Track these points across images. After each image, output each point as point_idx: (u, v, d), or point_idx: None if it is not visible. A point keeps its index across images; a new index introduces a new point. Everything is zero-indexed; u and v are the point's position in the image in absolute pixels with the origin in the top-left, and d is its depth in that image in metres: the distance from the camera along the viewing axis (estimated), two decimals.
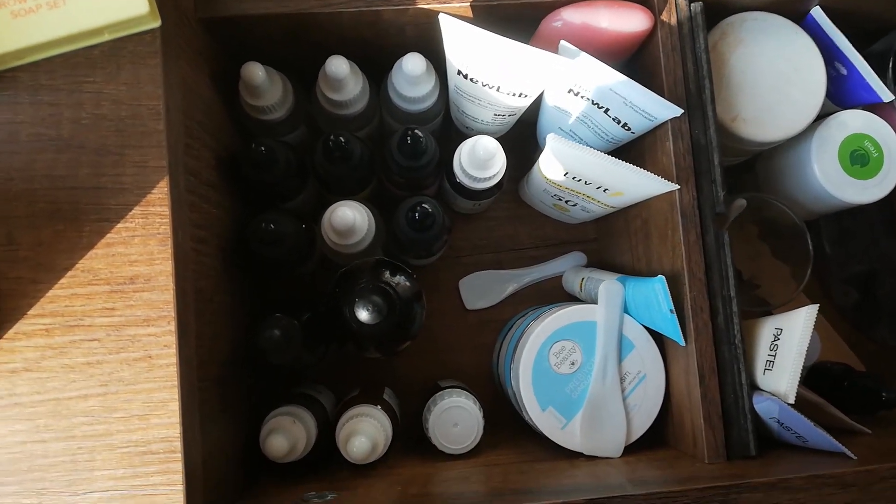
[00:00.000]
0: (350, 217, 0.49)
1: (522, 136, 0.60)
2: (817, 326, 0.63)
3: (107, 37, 0.40)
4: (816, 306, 0.44)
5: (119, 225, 0.39)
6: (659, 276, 0.46)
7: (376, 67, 0.55)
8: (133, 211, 0.39)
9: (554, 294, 0.64)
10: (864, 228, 0.63)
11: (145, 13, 0.39)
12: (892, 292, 0.63)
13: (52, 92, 0.40)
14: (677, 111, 0.46)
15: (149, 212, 0.39)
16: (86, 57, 0.40)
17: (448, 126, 0.61)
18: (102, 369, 0.38)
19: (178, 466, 0.38)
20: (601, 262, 0.65)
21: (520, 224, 0.66)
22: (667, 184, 0.46)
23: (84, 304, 0.39)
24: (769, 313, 0.58)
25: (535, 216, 0.65)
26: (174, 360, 0.38)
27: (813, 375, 0.55)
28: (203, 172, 0.46)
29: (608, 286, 0.50)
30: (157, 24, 0.40)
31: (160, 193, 0.40)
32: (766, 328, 0.46)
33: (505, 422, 0.58)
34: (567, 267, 0.64)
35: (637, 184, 0.47)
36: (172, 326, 0.39)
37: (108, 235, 0.39)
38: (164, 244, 0.39)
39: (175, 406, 0.38)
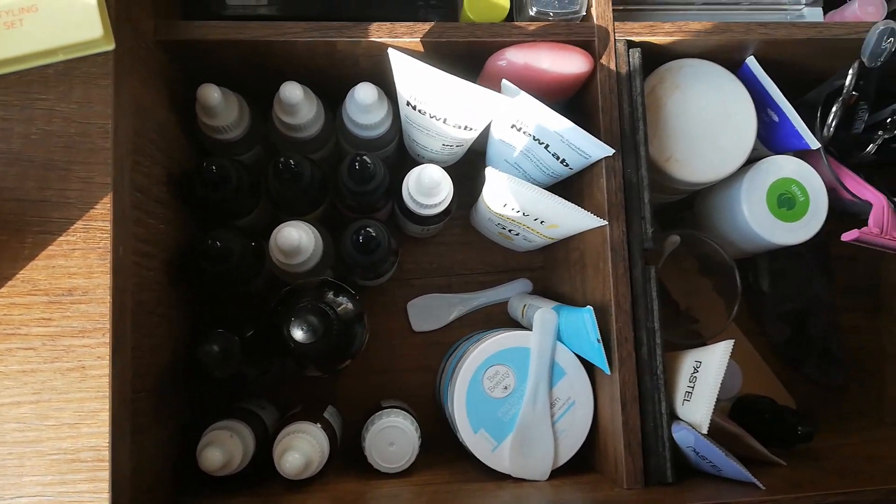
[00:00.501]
0: (295, 237, 0.51)
1: (473, 165, 0.62)
2: (749, 359, 0.66)
3: (61, 57, 0.41)
4: (731, 341, 0.46)
5: (61, 238, 0.40)
6: (587, 306, 0.48)
7: (333, 93, 0.57)
8: (75, 225, 0.41)
9: (500, 319, 0.66)
10: (799, 268, 0.66)
11: (99, 37, 0.41)
12: (822, 331, 0.66)
13: (5, 107, 0.41)
14: (609, 151, 0.48)
15: (90, 226, 0.41)
16: (40, 75, 0.42)
17: (402, 152, 0.63)
18: (36, 378, 0.39)
19: (105, 475, 0.39)
20: (546, 290, 0.67)
21: (470, 250, 0.68)
22: (595, 219, 0.48)
23: (22, 313, 0.40)
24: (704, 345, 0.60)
25: (485, 243, 0.67)
26: (107, 371, 0.40)
27: (738, 407, 0.57)
28: (152, 189, 0.48)
29: (543, 314, 0.52)
30: (110, 47, 0.42)
31: (103, 209, 0.41)
32: (688, 360, 0.48)
33: (446, 443, 0.60)
34: (513, 293, 0.66)
35: (568, 217, 0.49)
36: (107, 338, 0.40)
37: (50, 248, 0.40)
38: (104, 258, 0.40)
39: (105, 416, 0.39)
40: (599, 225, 0.49)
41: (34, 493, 0.39)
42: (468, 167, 0.61)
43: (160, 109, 0.50)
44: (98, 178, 0.41)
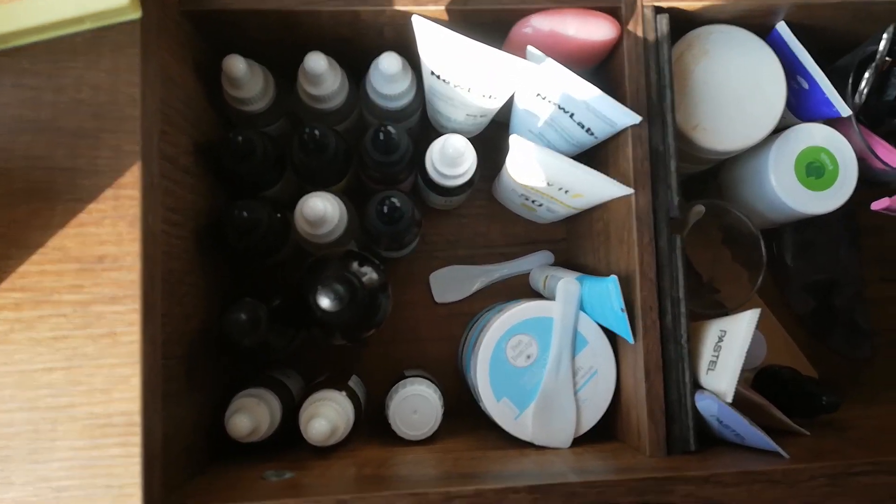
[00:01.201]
0: (321, 208, 0.51)
1: (497, 137, 0.62)
2: (773, 331, 0.65)
3: (88, 25, 0.42)
4: (758, 310, 0.46)
5: (91, 205, 0.41)
6: (612, 275, 0.48)
7: (357, 65, 0.57)
8: (105, 193, 0.41)
9: (521, 290, 0.66)
10: (826, 239, 0.65)
11: (126, 4, 0.41)
12: (848, 302, 0.65)
13: (34, 76, 0.42)
14: (636, 118, 0.48)
15: (120, 194, 0.41)
16: (68, 44, 0.42)
17: (426, 123, 0.63)
18: (68, 344, 0.40)
19: (137, 440, 0.40)
20: (568, 261, 0.66)
21: (492, 222, 0.68)
22: (622, 187, 0.48)
23: (53, 280, 0.40)
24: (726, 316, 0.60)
25: (508, 215, 0.67)
26: (138, 337, 0.40)
27: (761, 378, 0.57)
28: (180, 158, 0.48)
29: (566, 284, 0.52)
30: (137, 15, 0.42)
31: (132, 177, 0.41)
32: (712, 330, 0.48)
33: (468, 411, 0.60)
34: (534, 265, 0.66)
35: (594, 186, 0.49)
36: (138, 305, 0.40)
37: (80, 215, 0.41)
38: (134, 226, 0.41)
39: (137, 381, 0.40)
40: (625, 193, 0.48)
41: (67, 457, 0.40)
42: (491, 139, 0.61)
43: (187, 80, 0.50)
44: (127, 146, 0.42)
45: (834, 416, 0.54)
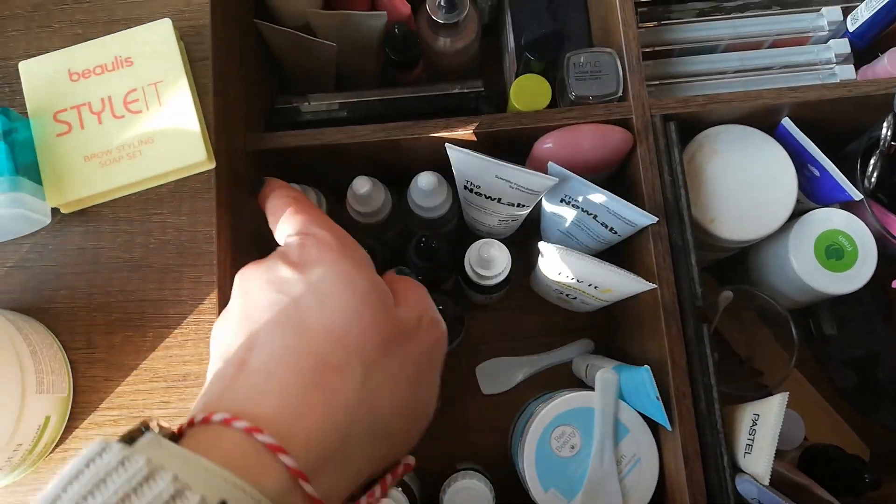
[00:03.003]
0: None
1: (531, 233, 0.67)
2: (818, 408, 0.66)
3: (172, 178, 0.50)
4: (786, 394, 0.48)
5: (176, 330, 0.47)
6: (645, 365, 0.51)
7: (399, 180, 0.63)
8: (188, 319, 0.48)
9: (565, 377, 0.69)
10: (860, 313, 0.67)
11: (203, 159, 0.49)
12: (890, 376, 0.65)
13: (128, 223, 0.49)
14: (653, 219, 0.52)
15: (201, 319, 0.48)
16: (155, 193, 0.50)
17: (464, 226, 0.68)
18: None
19: None
20: (608, 348, 0.69)
21: (532, 313, 0.72)
22: (645, 283, 0.52)
23: (145, 398, 0.46)
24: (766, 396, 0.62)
25: (546, 305, 0.71)
26: None
27: (807, 457, 0.57)
28: None
29: (603, 375, 0.55)
30: (212, 166, 0.50)
31: (210, 303, 0.48)
32: (746, 414, 0.50)
33: (520, 501, 0.62)
34: (575, 354, 0.69)
35: (619, 283, 0.53)
36: None
37: (167, 339, 0.47)
38: None
39: None
40: (650, 288, 0.52)
41: None
42: (526, 236, 0.66)
43: (253, 207, 0.57)
44: (205, 277, 0.48)
45: (883, 493, 0.54)
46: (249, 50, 0.62)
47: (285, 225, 0.38)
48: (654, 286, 0.52)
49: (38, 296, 0.48)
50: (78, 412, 0.47)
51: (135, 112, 0.49)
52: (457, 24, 0.64)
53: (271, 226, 0.39)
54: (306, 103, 0.66)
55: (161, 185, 0.50)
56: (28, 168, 0.47)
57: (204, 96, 0.51)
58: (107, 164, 0.48)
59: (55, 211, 0.49)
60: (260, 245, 0.56)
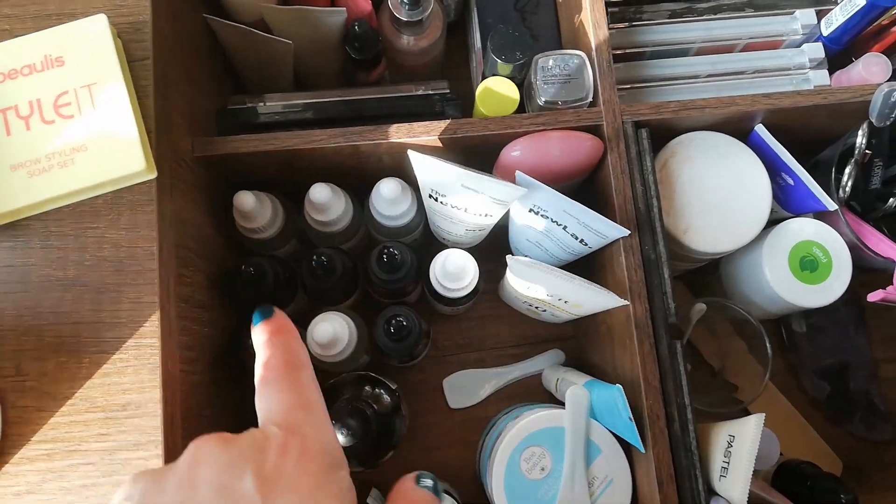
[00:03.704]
0: (330, 331, 0.53)
1: (500, 241, 0.64)
2: (792, 421, 0.65)
3: (109, 189, 0.46)
4: (762, 415, 0.46)
5: (114, 356, 0.44)
6: (617, 384, 0.49)
7: (360, 187, 0.60)
8: (127, 343, 0.44)
9: (535, 389, 0.67)
10: (834, 323, 0.66)
11: (142, 169, 0.45)
12: (863, 385, 0.65)
13: (60, 238, 0.45)
14: (624, 232, 0.50)
15: (141, 343, 0.44)
16: (90, 205, 0.46)
17: (429, 235, 0.65)
18: (97, 492, 0.42)
19: None
20: (578, 359, 0.67)
21: (501, 323, 0.69)
22: (617, 299, 0.49)
23: (81, 430, 0.43)
24: (747, 411, 0.60)
25: (515, 315, 0.69)
26: None
27: (781, 474, 0.56)
28: (195, 296, 0.51)
29: (574, 392, 0.52)
30: (153, 175, 0.46)
31: (152, 326, 0.44)
32: (721, 435, 0.48)
33: None
34: (546, 365, 0.67)
35: (591, 298, 0.51)
36: (160, 450, 0.42)
37: (105, 366, 0.43)
38: (154, 373, 0.43)
39: None
40: (621, 304, 0.50)
41: None
42: (494, 243, 0.63)
43: (200, 219, 0.54)
44: (146, 297, 0.44)
45: None
46: (198, 48, 0.58)
47: (275, 400, 0.32)
48: (627, 303, 0.50)
49: None
50: (8, 446, 0.43)
51: (66, 117, 0.45)
52: (421, 22, 0.61)
53: (256, 375, 0.33)
54: (262, 104, 0.62)
55: (96, 196, 0.46)
56: None
57: (144, 99, 0.47)
58: (36, 173, 0.44)
59: None
60: (206, 260, 0.53)
